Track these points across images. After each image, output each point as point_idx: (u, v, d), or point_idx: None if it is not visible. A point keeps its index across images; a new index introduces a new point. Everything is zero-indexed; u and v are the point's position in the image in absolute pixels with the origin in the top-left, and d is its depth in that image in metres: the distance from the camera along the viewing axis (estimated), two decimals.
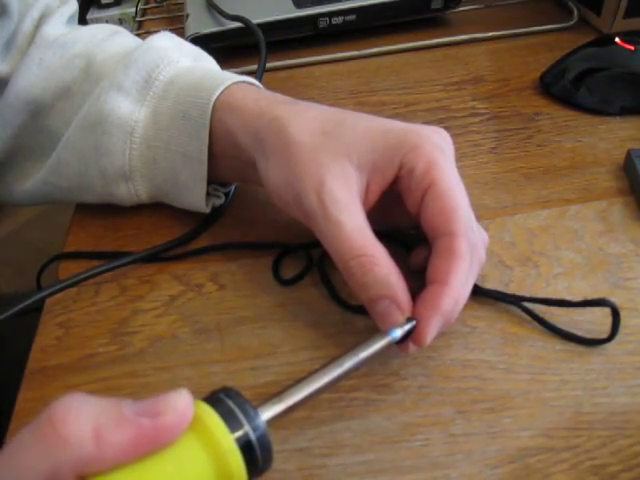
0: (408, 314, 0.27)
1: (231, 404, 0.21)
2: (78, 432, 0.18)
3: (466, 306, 0.29)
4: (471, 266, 0.28)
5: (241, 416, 0.21)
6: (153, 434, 0.19)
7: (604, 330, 0.29)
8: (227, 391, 0.22)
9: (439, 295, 0.27)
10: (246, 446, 0.20)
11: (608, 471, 0.25)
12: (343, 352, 0.25)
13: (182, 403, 0.20)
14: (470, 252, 0.28)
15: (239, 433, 0.20)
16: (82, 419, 0.18)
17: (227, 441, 0.20)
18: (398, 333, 0.27)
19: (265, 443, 0.21)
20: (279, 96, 0.34)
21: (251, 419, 0.21)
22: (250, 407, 0.21)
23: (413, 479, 0.25)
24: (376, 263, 0.27)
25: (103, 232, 0.40)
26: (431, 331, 0.27)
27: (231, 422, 0.20)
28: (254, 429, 0.21)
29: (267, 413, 0.22)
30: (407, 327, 0.27)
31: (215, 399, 0.21)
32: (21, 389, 0.31)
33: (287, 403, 0.23)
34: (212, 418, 0.20)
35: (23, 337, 0.35)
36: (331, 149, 0.30)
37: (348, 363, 0.25)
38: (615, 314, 0.29)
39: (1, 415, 0.30)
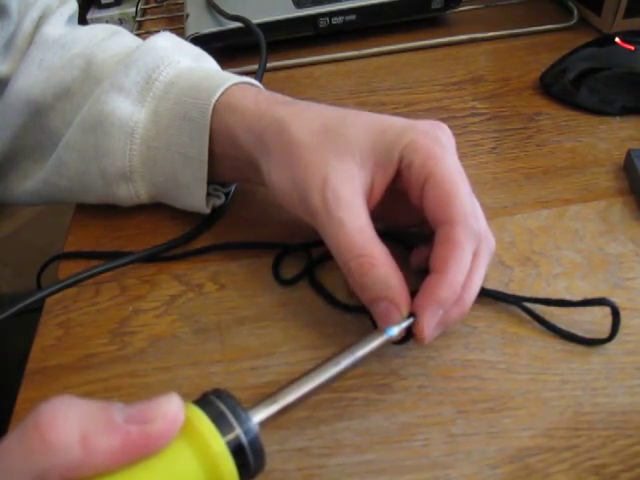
0: (406, 314, 0.27)
1: (222, 407, 0.21)
2: (65, 437, 0.18)
3: None
4: (479, 254, 0.28)
5: (232, 419, 0.20)
6: (142, 441, 0.19)
7: (604, 330, 0.29)
8: (218, 393, 0.21)
9: (435, 284, 0.27)
10: (237, 450, 0.20)
11: (608, 471, 0.25)
12: (339, 351, 0.25)
13: (172, 409, 0.19)
14: (473, 239, 0.28)
15: (230, 437, 0.20)
16: (69, 424, 0.18)
17: (218, 445, 0.20)
18: (395, 331, 0.27)
19: (257, 446, 0.21)
20: (279, 96, 0.34)
21: (243, 422, 0.21)
22: (241, 410, 0.21)
23: (413, 479, 0.25)
24: (375, 264, 0.27)
25: (103, 232, 0.40)
26: (428, 321, 0.26)
27: (222, 425, 0.20)
28: (246, 432, 0.20)
29: (260, 415, 0.22)
30: (404, 324, 0.27)
31: (206, 402, 0.21)
32: (21, 389, 0.31)
33: (281, 404, 0.23)
34: (203, 422, 0.20)
35: (23, 337, 0.35)
36: (334, 148, 0.30)
37: (345, 362, 0.25)
38: (615, 314, 0.29)
39: (1, 415, 0.30)
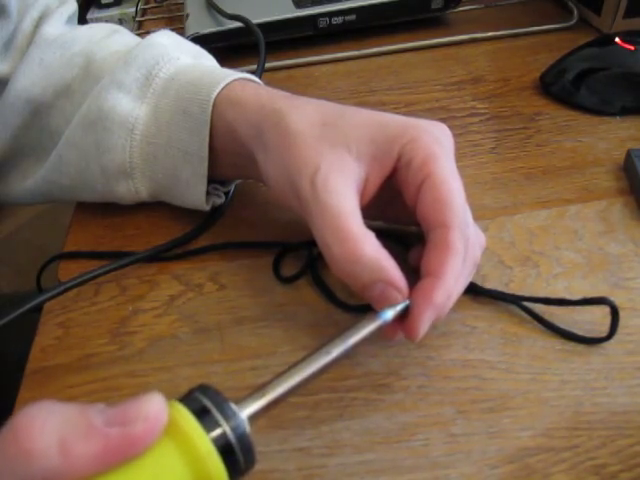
0: (406, 293, 0.26)
1: (208, 403, 0.20)
2: (43, 445, 0.17)
3: (466, 306, 0.29)
4: (465, 261, 0.28)
5: (219, 416, 0.20)
6: (122, 444, 0.18)
7: (604, 330, 0.29)
8: (204, 389, 0.21)
9: (432, 288, 0.26)
10: (225, 448, 0.19)
11: (608, 471, 0.25)
12: (330, 338, 0.25)
13: (154, 409, 0.19)
14: (464, 245, 0.28)
15: (217, 435, 0.19)
16: (47, 431, 0.18)
17: (204, 445, 0.19)
18: (389, 314, 0.26)
19: (246, 443, 0.20)
20: (279, 91, 0.34)
21: (229, 418, 0.20)
22: (228, 405, 0.20)
23: (413, 479, 0.25)
24: (363, 248, 0.27)
25: (103, 232, 0.40)
26: (424, 324, 0.26)
27: (208, 423, 0.19)
28: (233, 429, 0.20)
29: (249, 409, 0.21)
30: (399, 307, 0.26)
31: (191, 399, 0.20)
32: (21, 389, 0.31)
33: (270, 397, 0.22)
34: (188, 420, 0.19)
35: (23, 337, 0.35)
36: (330, 139, 0.29)
37: (336, 350, 0.24)
38: (614, 312, 0.29)
39: (1, 415, 0.30)
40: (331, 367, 0.24)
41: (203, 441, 0.19)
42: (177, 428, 0.19)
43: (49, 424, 0.18)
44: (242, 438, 0.20)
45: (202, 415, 0.20)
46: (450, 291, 0.27)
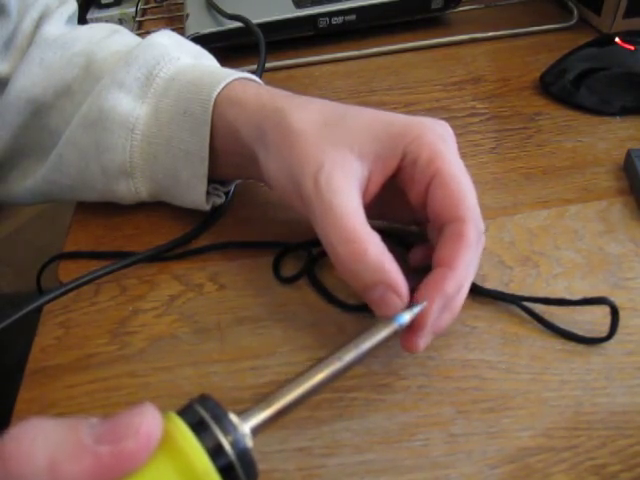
0: (406, 299, 0.26)
1: (207, 416, 0.19)
2: (31, 468, 0.17)
3: (466, 306, 0.29)
4: (475, 253, 0.28)
5: (218, 431, 0.19)
6: (113, 463, 0.17)
7: (604, 330, 0.29)
8: (204, 401, 0.20)
9: (443, 278, 0.26)
10: (225, 465, 0.18)
11: (608, 471, 0.25)
12: (342, 344, 0.24)
13: (146, 424, 0.18)
14: (477, 238, 0.28)
15: (216, 452, 0.18)
16: (36, 452, 0.17)
17: (202, 463, 0.18)
18: (406, 318, 0.25)
19: (247, 459, 0.19)
20: (280, 90, 0.34)
21: (229, 433, 0.19)
22: (228, 419, 0.19)
23: (413, 479, 0.25)
24: (367, 248, 0.26)
25: (103, 232, 0.40)
26: (433, 313, 0.26)
27: (206, 438, 0.18)
28: (233, 444, 0.19)
29: (253, 421, 0.20)
30: (416, 310, 0.25)
31: (190, 412, 0.19)
32: (21, 389, 0.31)
33: (277, 407, 0.21)
34: (185, 436, 0.18)
35: (23, 337, 0.35)
36: (332, 138, 0.29)
37: (348, 356, 0.23)
38: (614, 312, 0.29)
39: (1, 415, 0.30)
40: (343, 374, 0.23)
41: (200, 459, 0.18)
42: (173, 444, 0.18)
43: (37, 446, 0.17)
44: (243, 454, 0.19)
45: (200, 429, 0.19)
46: (461, 282, 0.27)
